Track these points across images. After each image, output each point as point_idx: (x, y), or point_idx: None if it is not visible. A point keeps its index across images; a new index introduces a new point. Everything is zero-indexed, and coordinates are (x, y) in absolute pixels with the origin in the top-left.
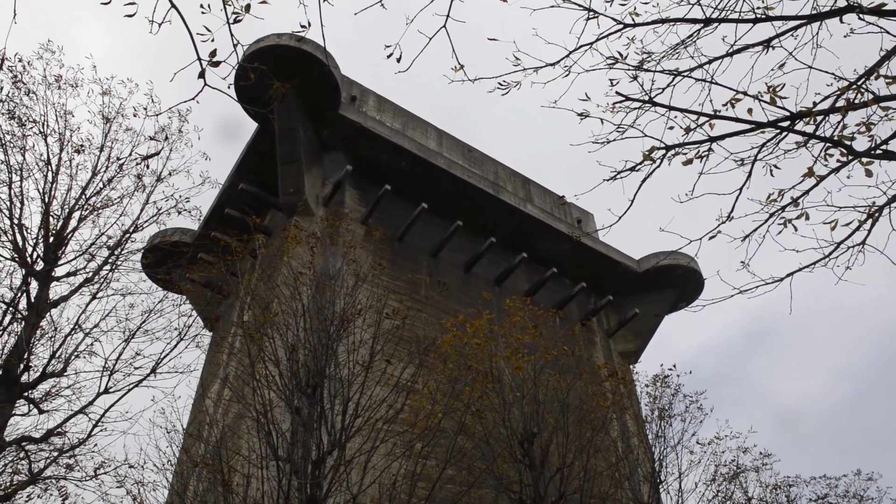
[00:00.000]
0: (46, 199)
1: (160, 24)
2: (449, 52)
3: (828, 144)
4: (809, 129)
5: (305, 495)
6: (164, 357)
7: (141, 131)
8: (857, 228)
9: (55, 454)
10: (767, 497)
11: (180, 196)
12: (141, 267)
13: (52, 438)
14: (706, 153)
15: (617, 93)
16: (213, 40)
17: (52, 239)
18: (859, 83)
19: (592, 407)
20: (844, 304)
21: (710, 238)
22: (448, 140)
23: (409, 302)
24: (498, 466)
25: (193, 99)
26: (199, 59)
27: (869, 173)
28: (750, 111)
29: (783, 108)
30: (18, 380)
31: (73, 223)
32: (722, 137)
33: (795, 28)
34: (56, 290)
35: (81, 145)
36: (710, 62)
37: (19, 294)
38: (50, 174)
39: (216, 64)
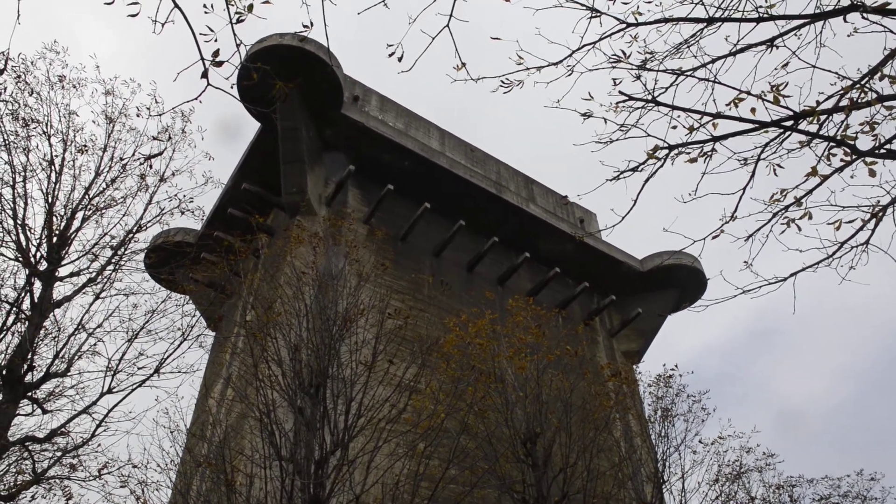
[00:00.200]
0: (50, 200)
1: (163, 24)
2: (451, 52)
3: (831, 144)
4: (813, 128)
5: (308, 495)
6: (168, 357)
7: (144, 131)
8: (861, 228)
9: (59, 454)
10: (770, 497)
11: (183, 196)
12: (144, 267)
13: (55, 438)
14: (709, 153)
15: (620, 92)
16: (216, 40)
17: (55, 239)
18: (863, 82)
19: (595, 407)
20: (848, 304)
21: (714, 238)
22: (451, 140)
23: (412, 302)
24: (501, 466)
25: (196, 99)
26: (203, 58)
27: (872, 173)
28: (753, 111)
29: (786, 108)
30: (22, 380)
31: (76, 223)
32: (725, 137)
33: (799, 27)
34: (59, 291)
35: (85, 145)
36: (713, 61)
37: (23, 294)
38: (53, 174)
39: (219, 64)
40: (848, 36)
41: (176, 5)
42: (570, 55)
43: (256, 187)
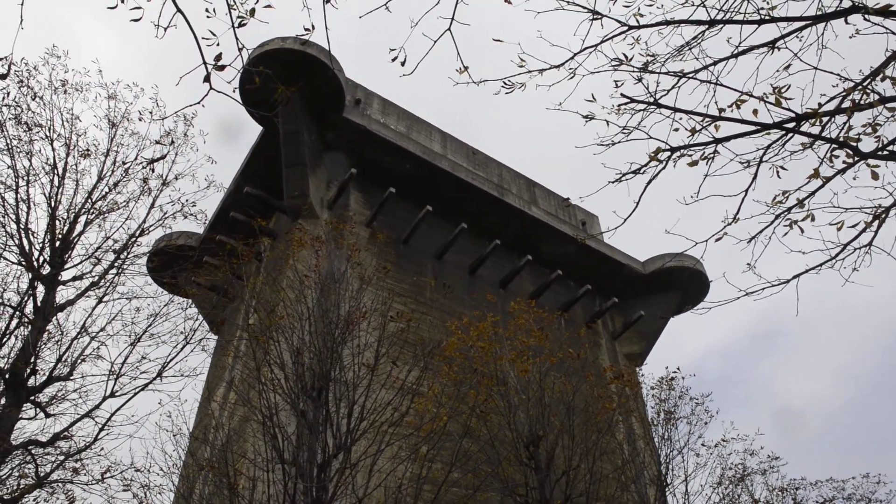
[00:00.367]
0: (53, 204)
1: (165, 29)
2: (453, 55)
3: (834, 146)
4: (815, 130)
5: (311, 498)
6: (170, 361)
7: (146, 135)
8: (864, 230)
9: (62, 458)
10: (774, 500)
11: (186, 200)
12: (147, 271)
13: (58, 442)
14: (711, 155)
15: (622, 94)
16: (218, 44)
17: (58, 243)
18: (865, 84)
19: (598, 409)
20: (849, 304)
21: (716, 240)
22: (452, 143)
23: (414, 305)
24: (503, 469)
25: (199, 103)
26: (205, 62)
27: (875, 175)
28: (755, 112)
29: (789, 110)
30: (25, 384)
31: (79, 227)
32: (727, 139)
33: (800, 29)
34: (62, 294)
35: (87, 150)
36: (714, 63)
37: (26, 298)
38: (56, 178)
39: (221, 68)
40: (850, 38)
41: (178, 9)
42: (572, 58)
43: (258, 191)
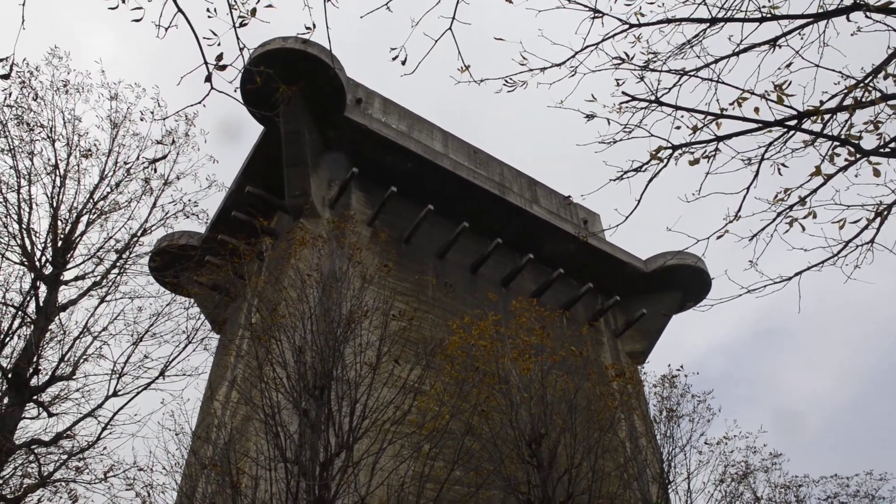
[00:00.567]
0: (54, 204)
1: (167, 29)
2: (454, 54)
3: (835, 143)
4: (817, 127)
5: (314, 497)
6: (173, 360)
7: (148, 135)
8: (866, 227)
9: (65, 457)
10: (777, 497)
11: (188, 199)
12: (149, 270)
13: (61, 441)
14: (713, 153)
15: (623, 93)
16: (219, 44)
17: (60, 243)
18: (867, 81)
19: (600, 407)
20: (851, 301)
21: (718, 237)
22: (454, 142)
23: (416, 303)
24: (506, 467)
25: (200, 102)
26: (206, 62)
27: (877, 172)
28: (757, 110)
29: (790, 107)
30: (28, 383)
31: (81, 227)
32: (729, 137)
33: (802, 27)
34: (65, 294)
35: (89, 150)
36: (716, 61)
37: (28, 298)
38: (58, 179)
39: (223, 68)
40: (851, 35)
41: (179, 9)
42: (573, 56)
43: (260, 190)
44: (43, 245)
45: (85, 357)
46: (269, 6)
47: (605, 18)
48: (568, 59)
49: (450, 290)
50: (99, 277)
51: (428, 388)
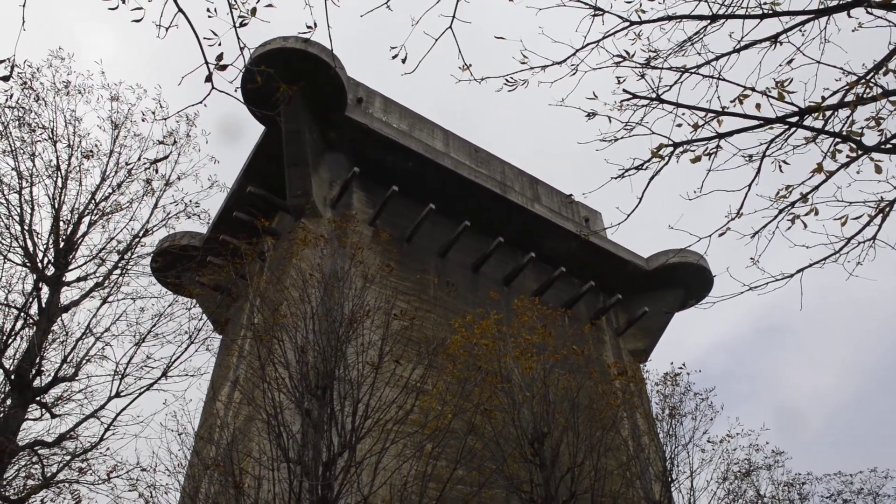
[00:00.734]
0: (56, 205)
1: (167, 29)
2: (454, 53)
3: (837, 140)
4: (818, 124)
5: (316, 497)
6: (175, 360)
7: (149, 136)
8: (868, 223)
9: (68, 458)
10: (780, 495)
11: (189, 200)
12: (151, 271)
13: (64, 442)
14: (714, 150)
15: (624, 90)
16: (219, 44)
17: (62, 244)
18: (868, 78)
19: (602, 406)
20: (853, 298)
21: (720, 235)
22: (455, 140)
23: (418, 303)
24: (508, 466)
25: (201, 102)
26: (207, 62)
27: (879, 168)
28: (758, 107)
29: (791, 104)
30: (31, 384)
31: (82, 228)
32: (730, 134)
33: (803, 23)
34: (67, 295)
35: (90, 151)
36: (717, 58)
37: (31, 299)
38: (59, 180)
39: (223, 67)
40: (852, 31)
41: (179, 9)
42: (574, 54)
43: (261, 190)
44: (45, 246)
45: (87, 358)
46: (270, 5)
47: (605, 16)
48: (568, 58)
49: (451, 289)
50: (101, 278)
51: (430, 387)
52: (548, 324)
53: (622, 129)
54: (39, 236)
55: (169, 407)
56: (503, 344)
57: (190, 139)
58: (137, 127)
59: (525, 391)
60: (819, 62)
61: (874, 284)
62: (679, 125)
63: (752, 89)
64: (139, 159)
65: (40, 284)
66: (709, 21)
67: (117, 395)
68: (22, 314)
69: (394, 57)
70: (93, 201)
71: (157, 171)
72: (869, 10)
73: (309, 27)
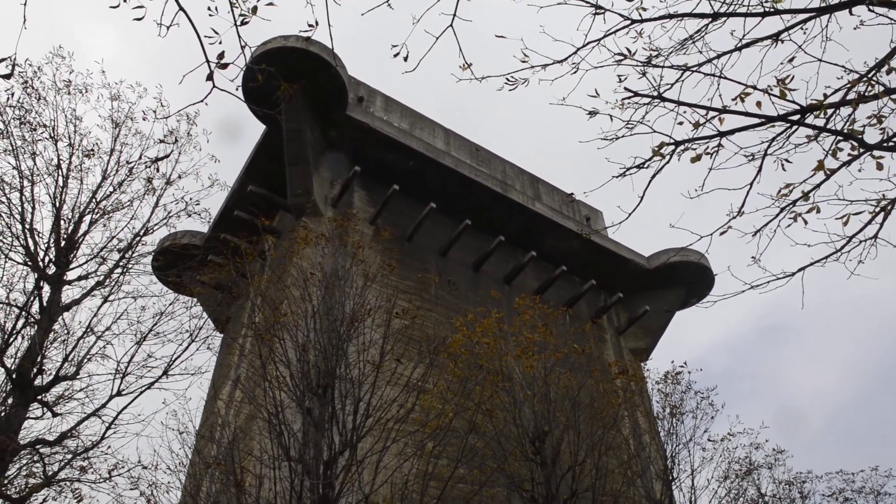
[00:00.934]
0: (57, 204)
1: (168, 28)
2: (455, 52)
3: (838, 138)
4: (820, 122)
5: (318, 495)
6: (176, 359)
7: (150, 135)
8: (869, 222)
9: (69, 457)
10: (780, 493)
11: (190, 199)
12: (152, 270)
13: (65, 441)
14: (716, 148)
15: (625, 89)
16: (220, 42)
17: (63, 243)
18: (870, 76)
19: (604, 404)
20: (854, 297)
21: (721, 233)
22: (456, 139)
23: (419, 301)
24: (509, 465)
25: (202, 101)
26: (208, 61)
27: (880, 166)
28: (759, 105)
29: (793, 102)
30: (32, 383)
31: (83, 227)
32: (731, 132)
33: (804, 21)
34: (68, 294)
35: (91, 150)
36: (718, 57)
37: (32, 298)
38: (60, 179)
39: (224, 66)
40: (854, 29)
41: (181, 8)
42: (575, 52)
43: (262, 189)
44: (46, 245)
45: (88, 357)
46: (271, 4)
47: (606, 14)
48: (569, 56)
49: (452, 287)
50: (102, 277)
51: (431, 386)
52: (549, 322)
53: (623, 127)
54: (40, 235)
55: (170, 406)
56: (504, 343)
57: (191, 138)
58: (138, 125)
59: (526, 390)
60: (821, 60)
61: (876, 283)
62: (680, 123)
63: (754, 87)
64: (140, 158)
65: (41, 283)
66: (710, 19)
67: (118, 393)
68: (23, 313)
69: (395, 56)
70: (94, 200)
71: (157, 170)
72: (870, 7)
73: (310, 26)
